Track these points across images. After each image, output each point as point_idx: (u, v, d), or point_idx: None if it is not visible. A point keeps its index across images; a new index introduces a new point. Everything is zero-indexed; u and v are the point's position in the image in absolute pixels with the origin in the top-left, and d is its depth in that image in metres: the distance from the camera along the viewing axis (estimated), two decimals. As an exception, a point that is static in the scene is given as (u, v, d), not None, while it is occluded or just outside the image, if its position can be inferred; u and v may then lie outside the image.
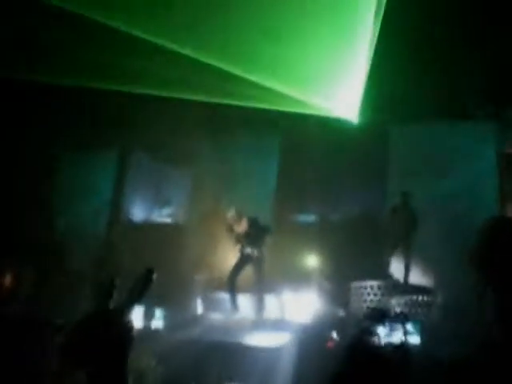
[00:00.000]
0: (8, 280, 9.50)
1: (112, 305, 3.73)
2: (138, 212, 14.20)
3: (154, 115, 12.03)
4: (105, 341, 3.50)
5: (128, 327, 3.73)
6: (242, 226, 9.75)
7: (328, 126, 10.62)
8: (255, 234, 9.70)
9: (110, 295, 3.72)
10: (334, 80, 9.57)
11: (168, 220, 14.06)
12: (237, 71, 9.22)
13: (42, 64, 9.60)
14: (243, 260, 9.78)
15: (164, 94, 9.88)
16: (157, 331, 9.32)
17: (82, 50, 8.88)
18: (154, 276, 3.75)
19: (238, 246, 9.81)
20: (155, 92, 10.01)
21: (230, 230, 9.88)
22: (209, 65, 9.07)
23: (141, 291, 3.67)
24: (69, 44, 8.85)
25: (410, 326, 8.72)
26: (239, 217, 9.79)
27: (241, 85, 9.36)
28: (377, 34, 9.14)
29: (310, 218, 12.05)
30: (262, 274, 9.70)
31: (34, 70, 9.60)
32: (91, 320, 3.64)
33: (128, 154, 14.13)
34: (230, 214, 9.82)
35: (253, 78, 9.34)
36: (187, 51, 8.90)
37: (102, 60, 9.00)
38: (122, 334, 3.69)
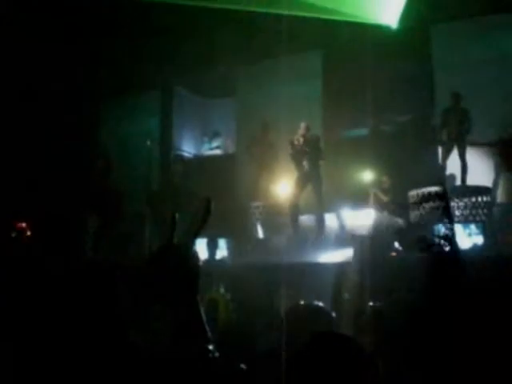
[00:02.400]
0: (72, 229, 9.75)
1: (176, 239, 3.80)
2: (188, 147, 14.35)
3: (188, 50, 11.97)
4: (175, 276, 3.57)
5: (195, 259, 3.79)
6: (305, 142, 9.73)
7: (368, 34, 10.37)
8: (315, 152, 9.69)
9: (172, 231, 3.78)
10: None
11: (218, 151, 14.16)
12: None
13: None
14: (303, 179, 9.79)
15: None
16: (222, 260, 9.51)
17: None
18: (212, 205, 3.78)
19: (298, 165, 9.80)
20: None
21: (294, 145, 9.87)
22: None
23: (201, 223, 3.71)
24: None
25: (472, 227, 8.74)
26: (307, 131, 9.79)
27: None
28: None
29: (362, 131, 11.91)
30: (320, 192, 9.72)
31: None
32: (159, 257, 3.70)
33: (170, 92, 14.17)
34: (302, 127, 9.80)
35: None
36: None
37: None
38: (190, 266, 3.76)
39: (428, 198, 9.63)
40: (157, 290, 3.59)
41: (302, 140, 9.71)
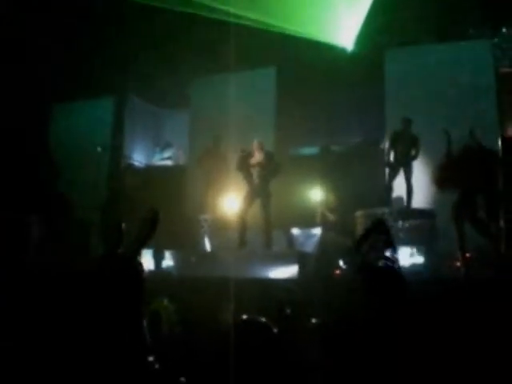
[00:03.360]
0: (17, 233, 9.52)
1: (121, 249, 3.78)
2: (138, 156, 14.24)
3: (144, 59, 11.93)
4: (117, 285, 3.56)
5: (139, 270, 3.79)
6: (257, 158, 9.72)
7: (323, 55, 10.52)
8: (269, 168, 9.69)
9: (118, 240, 3.76)
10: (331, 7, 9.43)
11: (169, 162, 14.11)
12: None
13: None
14: (252, 194, 9.79)
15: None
16: (167, 272, 9.45)
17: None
18: (159, 217, 3.78)
19: (248, 180, 9.79)
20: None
21: (243, 162, 9.86)
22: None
23: (147, 233, 3.70)
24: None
25: (415, 250, 8.91)
26: (260, 148, 9.76)
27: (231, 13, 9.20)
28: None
29: (312, 149, 12.04)
30: (269, 208, 9.73)
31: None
32: (102, 265, 3.69)
33: (123, 99, 14.04)
34: (254, 144, 9.77)
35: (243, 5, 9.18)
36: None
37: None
38: (133, 277, 3.75)
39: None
40: (99, 298, 3.56)
41: (255, 156, 9.74)
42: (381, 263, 3.20)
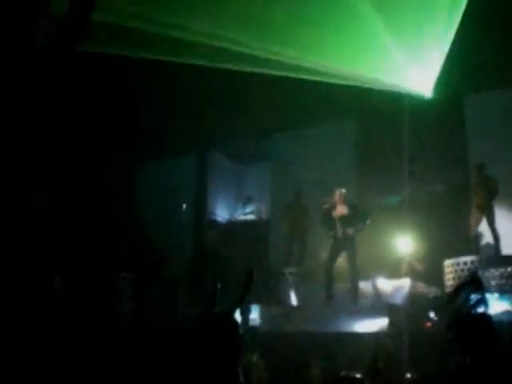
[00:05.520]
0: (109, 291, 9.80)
1: (217, 308, 3.86)
2: (221, 212, 14.49)
3: (223, 116, 12.25)
4: (218, 345, 3.63)
5: (237, 329, 3.85)
6: (340, 211, 9.75)
7: (403, 103, 10.52)
8: (353, 219, 9.68)
9: (215, 299, 3.85)
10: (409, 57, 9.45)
11: (252, 217, 14.27)
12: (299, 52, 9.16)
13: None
14: (338, 246, 9.76)
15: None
16: (255, 326, 9.47)
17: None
18: (254, 276, 3.86)
19: (332, 233, 9.79)
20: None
21: (327, 214, 9.90)
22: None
23: (244, 292, 3.78)
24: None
25: (507, 298, 8.61)
26: (342, 200, 9.79)
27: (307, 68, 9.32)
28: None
29: (395, 198, 11.94)
30: (355, 260, 9.66)
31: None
32: (204, 325, 3.76)
33: (205, 156, 14.41)
34: (336, 195, 9.83)
35: (320, 58, 9.30)
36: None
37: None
38: (233, 334, 3.81)
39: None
40: (198, 357, 3.62)
41: (338, 208, 9.75)
42: (474, 319, 3.13)
